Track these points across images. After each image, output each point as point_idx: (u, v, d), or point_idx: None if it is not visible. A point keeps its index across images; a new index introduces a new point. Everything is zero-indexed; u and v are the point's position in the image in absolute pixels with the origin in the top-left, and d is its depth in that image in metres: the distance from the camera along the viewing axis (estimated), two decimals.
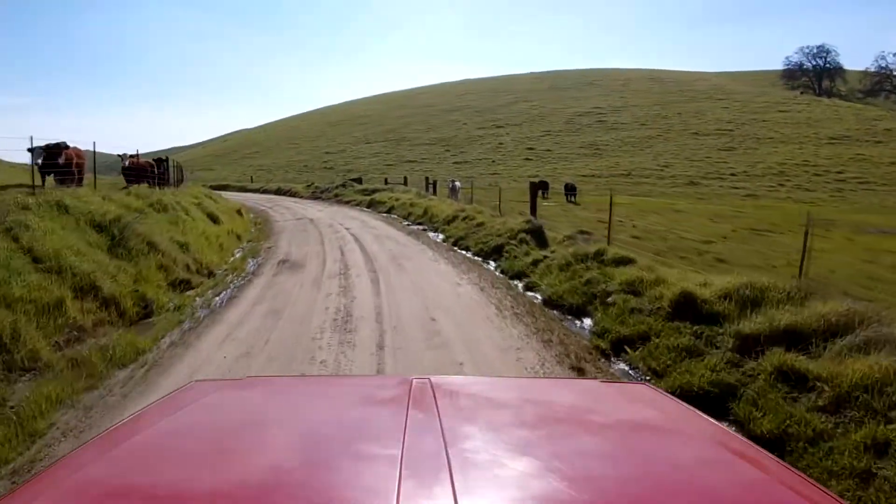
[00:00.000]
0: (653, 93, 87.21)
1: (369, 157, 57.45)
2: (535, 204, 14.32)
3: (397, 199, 23.01)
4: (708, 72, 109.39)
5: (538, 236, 11.79)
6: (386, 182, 32.29)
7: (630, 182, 50.11)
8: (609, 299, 7.03)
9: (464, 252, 12.32)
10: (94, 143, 15.10)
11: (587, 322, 6.93)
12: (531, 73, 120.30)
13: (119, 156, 16.69)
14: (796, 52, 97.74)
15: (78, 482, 0.97)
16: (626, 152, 60.97)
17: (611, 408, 1.39)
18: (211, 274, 9.76)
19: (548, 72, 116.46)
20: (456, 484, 0.86)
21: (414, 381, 1.39)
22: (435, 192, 25.85)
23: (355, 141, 66.00)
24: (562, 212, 26.25)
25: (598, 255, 8.95)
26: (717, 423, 1.31)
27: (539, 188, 36.88)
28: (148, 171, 17.26)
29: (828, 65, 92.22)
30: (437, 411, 1.18)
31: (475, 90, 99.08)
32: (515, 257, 10.65)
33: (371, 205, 24.56)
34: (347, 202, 27.31)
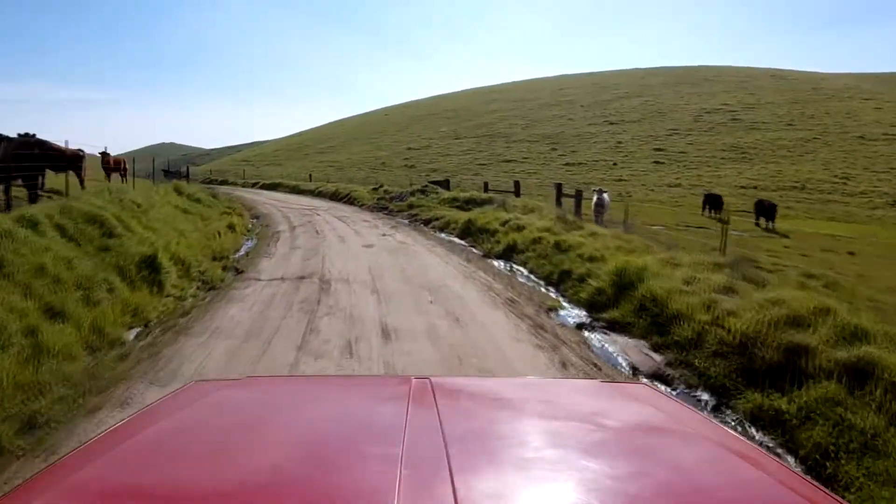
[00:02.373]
0: (783, 90, 71.61)
1: (458, 155, 46.09)
2: None
3: (519, 228, 11.22)
4: (826, 72, 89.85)
5: None
6: (486, 188, 20.64)
7: (809, 198, 35.99)
8: None
9: None
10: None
11: None
12: (634, 68, 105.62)
13: None
14: None
15: (78, 482, 0.93)
16: (783, 157, 46.66)
17: (610, 407, 1.33)
18: None
19: (654, 68, 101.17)
20: (456, 484, 0.83)
21: (414, 380, 1.34)
22: (578, 212, 14.02)
23: (442, 136, 54.89)
24: (788, 255, 13.68)
25: None
26: (716, 423, 1.30)
27: (708, 203, 24.09)
28: None
29: None
30: (437, 411, 1.14)
31: (574, 85, 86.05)
32: None
33: (468, 233, 12.91)
34: (426, 221, 15.84)
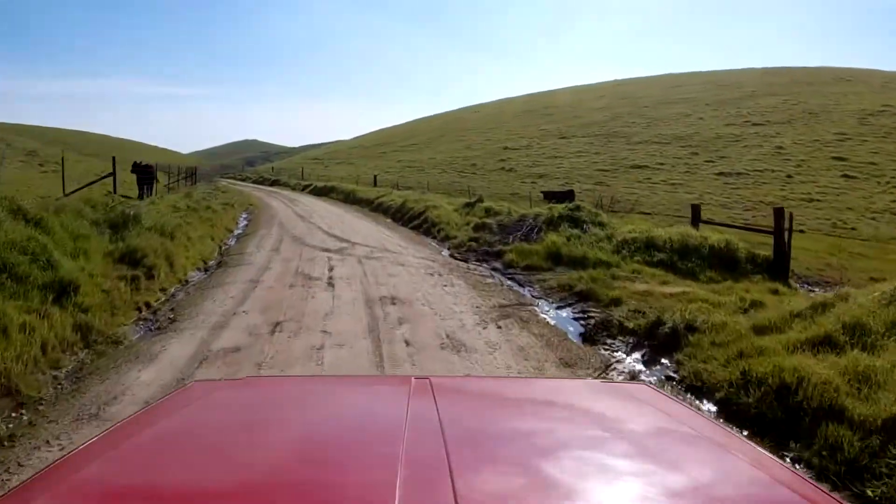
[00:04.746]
0: None
1: (569, 157, 35.69)
2: None
3: None
4: None
5: None
6: (696, 218, 10.43)
7: None
8: None
9: None
10: None
11: None
12: (748, 68, 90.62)
13: None
14: None
15: (78, 482, 0.91)
16: None
17: (610, 407, 1.28)
18: None
19: (771, 67, 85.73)
20: (456, 483, 0.80)
21: (414, 380, 1.31)
22: None
23: (544, 135, 44.58)
24: None
25: None
26: (716, 422, 1.24)
27: None
28: None
29: None
30: (437, 411, 1.10)
31: (689, 83, 72.88)
32: None
33: None
34: (648, 345, 6.03)
